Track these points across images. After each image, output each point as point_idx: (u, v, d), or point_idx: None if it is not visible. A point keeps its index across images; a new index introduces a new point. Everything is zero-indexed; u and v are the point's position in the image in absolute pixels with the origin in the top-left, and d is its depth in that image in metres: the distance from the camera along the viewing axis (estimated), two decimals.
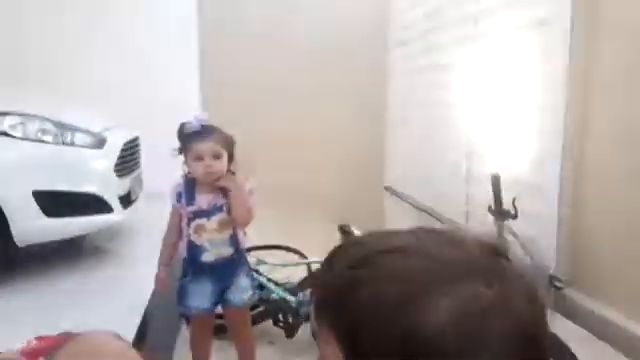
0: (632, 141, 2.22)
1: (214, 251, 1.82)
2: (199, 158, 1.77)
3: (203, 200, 1.82)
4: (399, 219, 4.76)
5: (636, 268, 2.23)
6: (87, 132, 3.08)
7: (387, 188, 5.10)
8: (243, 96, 5.23)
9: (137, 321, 2.31)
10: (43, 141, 2.89)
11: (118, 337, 0.74)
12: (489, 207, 2.01)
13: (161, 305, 2.40)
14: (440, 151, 3.89)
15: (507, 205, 2.01)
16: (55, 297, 2.61)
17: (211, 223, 1.81)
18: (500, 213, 1.98)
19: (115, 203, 3.07)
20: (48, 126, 2.93)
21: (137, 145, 3.64)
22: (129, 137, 3.45)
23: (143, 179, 3.76)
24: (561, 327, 2.26)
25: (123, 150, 3.25)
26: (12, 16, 4.82)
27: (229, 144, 1.84)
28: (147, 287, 2.61)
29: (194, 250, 1.82)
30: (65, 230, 2.91)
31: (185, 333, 2.20)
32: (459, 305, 0.44)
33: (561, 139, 2.55)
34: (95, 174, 3.05)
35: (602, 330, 2.34)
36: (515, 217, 1.95)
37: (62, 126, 2.98)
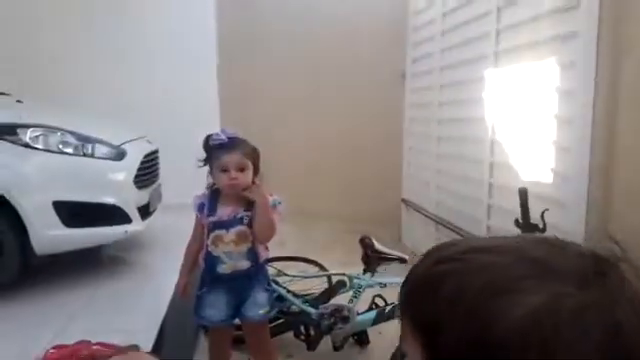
0: None
1: (230, 263, 1.79)
2: (224, 170, 1.76)
3: (224, 211, 1.80)
4: (417, 232, 4.69)
5: None
6: (107, 144, 3.11)
7: (404, 200, 5.05)
8: (260, 110, 5.25)
9: (155, 331, 2.29)
10: (64, 153, 2.91)
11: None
12: (516, 220, 1.96)
13: (180, 315, 2.38)
14: (461, 164, 3.83)
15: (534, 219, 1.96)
16: (73, 305, 2.60)
17: (229, 235, 1.78)
18: (527, 227, 1.93)
19: (134, 214, 3.08)
20: (69, 138, 2.97)
21: (156, 158, 3.67)
22: (149, 150, 3.48)
23: (162, 191, 3.77)
24: None
25: (143, 162, 3.28)
26: (37, 31, 4.92)
27: (255, 156, 1.83)
28: (165, 297, 2.60)
29: (211, 261, 1.81)
30: (84, 240, 2.92)
31: (204, 344, 2.17)
32: (545, 302, 0.42)
33: (588, 154, 2.49)
34: (115, 185, 3.07)
35: None
36: (543, 231, 1.89)
37: (83, 138, 3.01)
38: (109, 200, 2.97)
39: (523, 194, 1.94)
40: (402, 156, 5.13)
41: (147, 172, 3.36)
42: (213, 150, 1.80)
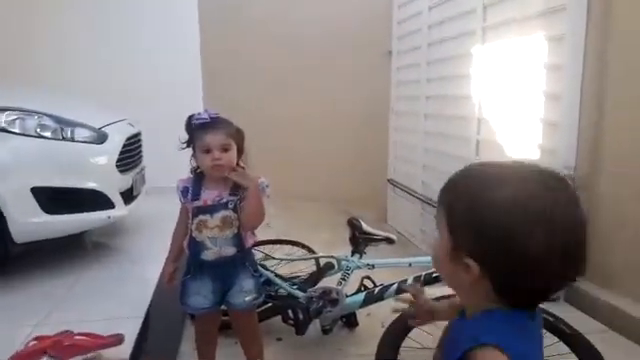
0: None
1: (215, 249, 1.74)
2: (207, 151, 1.70)
3: (208, 195, 1.75)
4: (403, 212, 4.69)
5: None
6: (88, 127, 3.03)
7: (390, 181, 5.03)
8: (245, 92, 5.17)
9: (140, 319, 2.26)
10: (42, 136, 2.82)
11: None
12: None
13: (166, 302, 2.35)
14: (448, 143, 3.81)
15: None
16: (55, 294, 2.55)
17: (214, 220, 1.73)
18: None
19: (117, 199, 3.02)
20: (47, 121, 2.88)
21: (139, 140, 3.59)
22: (131, 132, 3.40)
23: (146, 175, 3.70)
24: (575, 319, 2.20)
25: (125, 145, 3.20)
26: (17, 14, 4.77)
27: (239, 137, 1.77)
28: (150, 284, 2.56)
29: (195, 247, 1.76)
30: (65, 227, 2.85)
31: (191, 329, 2.14)
32: (524, 190, 0.70)
33: (576, 130, 2.48)
34: (96, 169, 3.00)
35: (615, 321, 2.28)
36: None
37: (62, 121, 2.92)
38: (91, 185, 2.90)
39: None
40: (390, 135, 5.10)
41: (130, 155, 3.29)
42: (195, 131, 1.73)
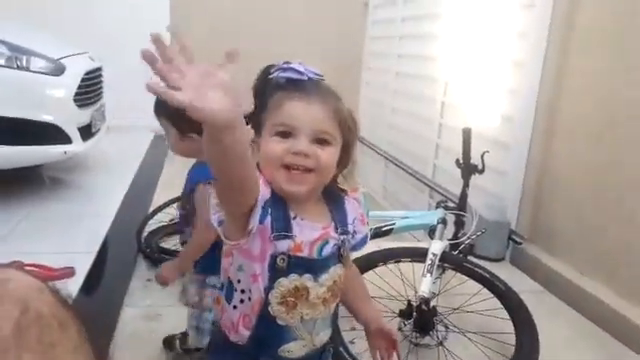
0: (608, 101, 2.21)
1: (307, 339, 0.92)
2: (286, 134, 0.85)
3: (307, 232, 0.88)
4: (366, 167, 4.75)
5: (591, 229, 2.27)
6: (44, 57, 2.91)
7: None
8: (211, 26, 5.04)
9: (93, 254, 2.26)
10: None
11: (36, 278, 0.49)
12: (457, 160, 1.98)
13: (119, 239, 2.35)
14: (413, 104, 3.83)
15: (475, 160, 1.99)
16: (7, 226, 2.52)
17: (320, 286, 0.90)
18: (467, 167, 1.96)
19: (74, 134, 2.95)
20: (1, 48, 2.75)
21: (100, 76, 3.47)
22: (91, 67, 3.28)
23: (106, 112, 3.61)
24: (518, 281, 2.32)
25: (84, 80, 3.10)
26: None
27: (350, 127, 0.92)
28: (105, 220, 2.56)
29: (268, 331, 0.89)
30: (19, 159, 2.79)
31: (141, 266, 2.16)
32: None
33: (535, 96, 2.53)
34: (53, 102, 2.90)
35: (556, 285, 2.41)
36: (482, 172, 1.93)
37: (16, 49, 2.80)
38: (46, 118, 2.82)
39: (466, 134, 1.95)
40: (359, 93, 5.08)
41: (89, 90, 3.19)
42: (274, 91, 0.89)
